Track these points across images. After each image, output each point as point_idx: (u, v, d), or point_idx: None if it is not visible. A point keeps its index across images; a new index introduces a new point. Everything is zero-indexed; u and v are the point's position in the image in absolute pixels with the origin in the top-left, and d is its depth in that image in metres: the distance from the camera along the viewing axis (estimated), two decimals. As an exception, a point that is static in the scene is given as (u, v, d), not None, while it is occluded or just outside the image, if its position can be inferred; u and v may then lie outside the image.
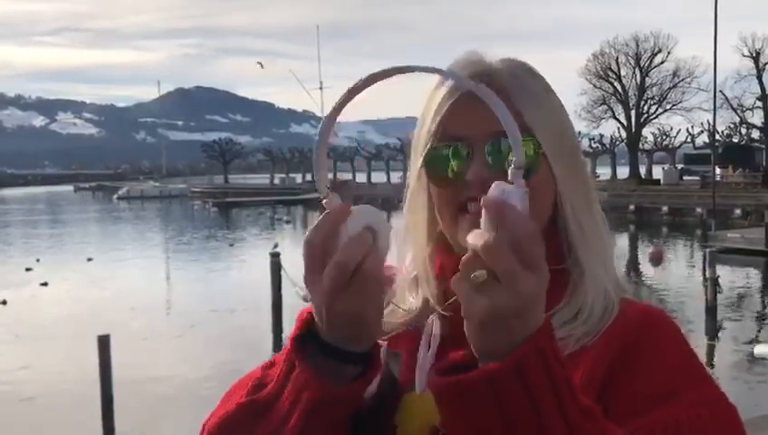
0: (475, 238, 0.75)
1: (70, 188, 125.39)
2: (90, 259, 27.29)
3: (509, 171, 0.78)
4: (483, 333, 0.74)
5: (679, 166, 56.61)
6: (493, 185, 0.77)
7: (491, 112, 0.89)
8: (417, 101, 1.04)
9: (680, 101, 55.58)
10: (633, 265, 26.46)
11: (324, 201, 0.83)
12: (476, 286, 0.73)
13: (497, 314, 0.73)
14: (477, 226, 0.87)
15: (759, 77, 47.37)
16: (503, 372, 0.73)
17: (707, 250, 20.77)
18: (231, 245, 33.26)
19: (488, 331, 0.74)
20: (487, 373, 0.73)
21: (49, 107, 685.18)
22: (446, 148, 0.96)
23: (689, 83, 54.52)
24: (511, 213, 0.74)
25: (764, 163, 47.09)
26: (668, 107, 56.16)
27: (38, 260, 26.78)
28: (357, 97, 0.80)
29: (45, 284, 21.56)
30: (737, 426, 0.89)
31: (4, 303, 18.77)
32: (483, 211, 0.76)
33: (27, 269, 24.29)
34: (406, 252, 1.04)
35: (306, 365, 0.84)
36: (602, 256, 0.98)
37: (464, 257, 0.75)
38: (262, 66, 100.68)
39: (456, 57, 1.00)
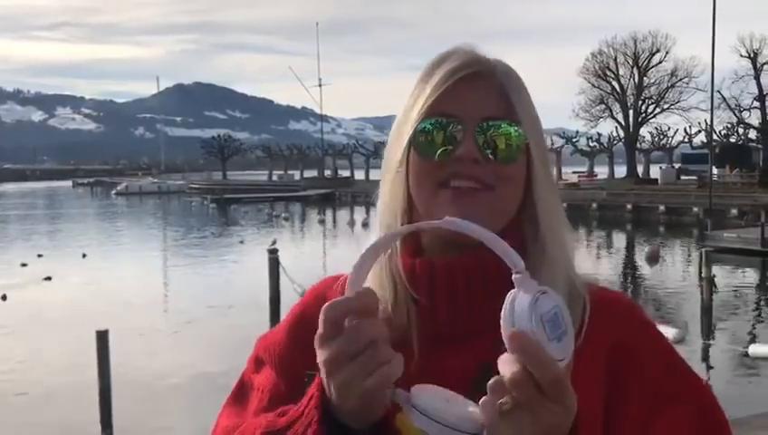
0: (503, 367, 0.75)
1: (68, 183, 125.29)
2: (84, 255, 27.31)
3: (514, 277, 0.77)
4: None
5: (677, 165, 56.64)
6: (519, 301, 0.76)
7: (485, 97, 0.97)
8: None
9: (678, 101, 55.65)
10: (630, 263, 26.54)
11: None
12: (503, 413, 0.75)
13: None
14: (456, 203, 0.93)
15: (757, 77, 47.37)
16: None
17: (703, 250, 20.85)
18: (241, 242, 32.74)
19: None
20: None
21: (48, 102, 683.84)
22: (439, 121, 0.98)
23: (687, 83, 54.58)
24: (538, 356, 0.73)
25: (761, 163, 47.12)
26: (666, 107, 56.20)
27: (40, 256, 26.83)
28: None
29: (49, 278, 21.61)
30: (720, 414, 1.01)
31: (4, 298, 18.80)
32: (509, 339, 0.75)
33: (23, 265, 24.30)
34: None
35: None
36: (566, 245, 1.02)
37: (491, 383, 0.75)
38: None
39: (454, 46, 1.02)
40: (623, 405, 0.96)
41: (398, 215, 1.01)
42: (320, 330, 0.81)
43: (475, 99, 0.97)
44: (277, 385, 1.05)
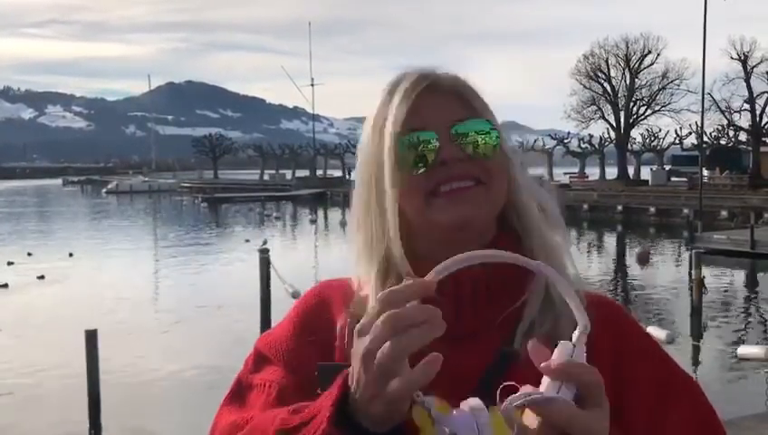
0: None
1: (58, 181, 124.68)
2: (71, 254, 27.10)
3: (574, 334, 0.79)
4: None
5: (667, 167, 56.94)
6: (558, 349, 0.78)
7: (447, 103, 1.01)
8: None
9: (669, 103, 55.93)
10: (620, 265, 26.62)
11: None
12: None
13: None
14: (451, 205, 0.96)
15: (747, 80, 47.61)
16: None
17: (693, 251, 20.95)
18: (247, 241, 31.15)
19: None
20: None
21: (38, 100, 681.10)
22: (414, 136, 0.99)
23: (678, 85, 54.90)
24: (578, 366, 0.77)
25: (751, 165, 47.38)
26: (657, 108, 56.45)
27: (30, 254, 26.68)
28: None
29: (42, 277, 21.50)
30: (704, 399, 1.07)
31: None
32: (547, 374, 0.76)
33: (9, 263, 24.13)
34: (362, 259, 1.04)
35: None
36: (562, 233, 1.05)
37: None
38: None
39: (408, 69, 1.04)
40: (631, 410, 0.98)
41: (390, 230, 1.01)
42: (369, 313, 0.78)
43: (438, 108, 1.00)
44: (285, 378, 1.04)
